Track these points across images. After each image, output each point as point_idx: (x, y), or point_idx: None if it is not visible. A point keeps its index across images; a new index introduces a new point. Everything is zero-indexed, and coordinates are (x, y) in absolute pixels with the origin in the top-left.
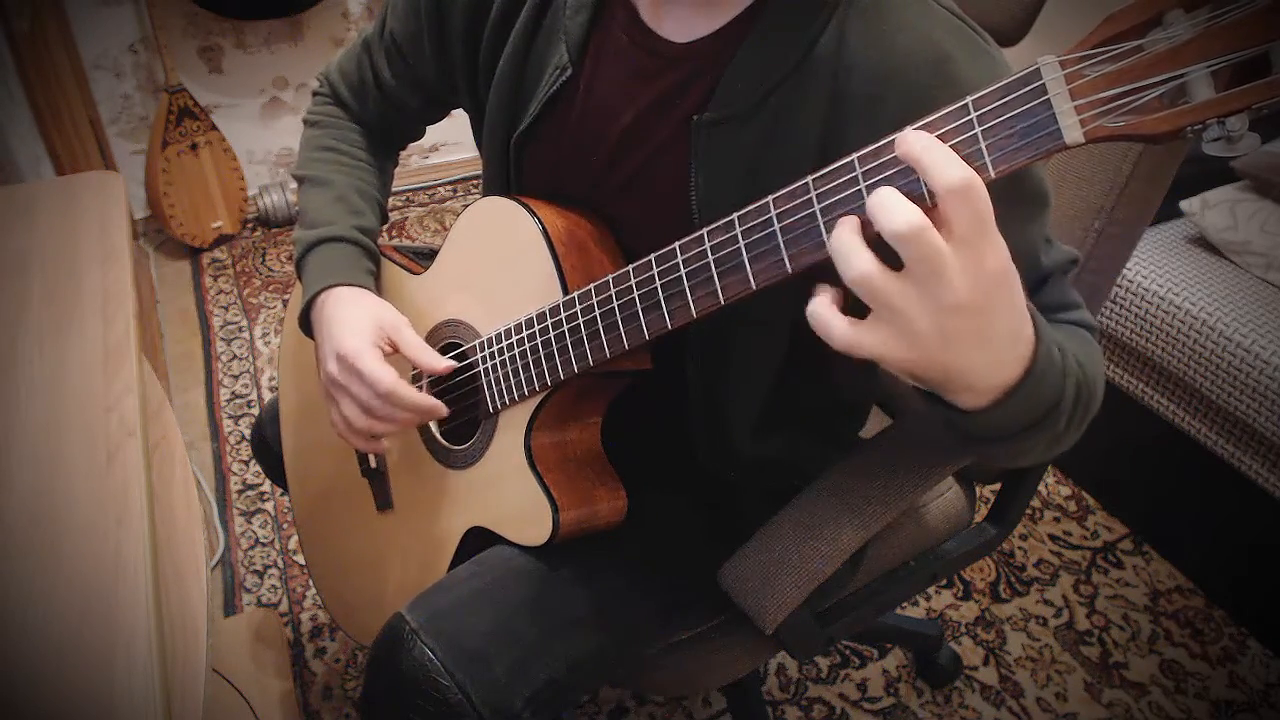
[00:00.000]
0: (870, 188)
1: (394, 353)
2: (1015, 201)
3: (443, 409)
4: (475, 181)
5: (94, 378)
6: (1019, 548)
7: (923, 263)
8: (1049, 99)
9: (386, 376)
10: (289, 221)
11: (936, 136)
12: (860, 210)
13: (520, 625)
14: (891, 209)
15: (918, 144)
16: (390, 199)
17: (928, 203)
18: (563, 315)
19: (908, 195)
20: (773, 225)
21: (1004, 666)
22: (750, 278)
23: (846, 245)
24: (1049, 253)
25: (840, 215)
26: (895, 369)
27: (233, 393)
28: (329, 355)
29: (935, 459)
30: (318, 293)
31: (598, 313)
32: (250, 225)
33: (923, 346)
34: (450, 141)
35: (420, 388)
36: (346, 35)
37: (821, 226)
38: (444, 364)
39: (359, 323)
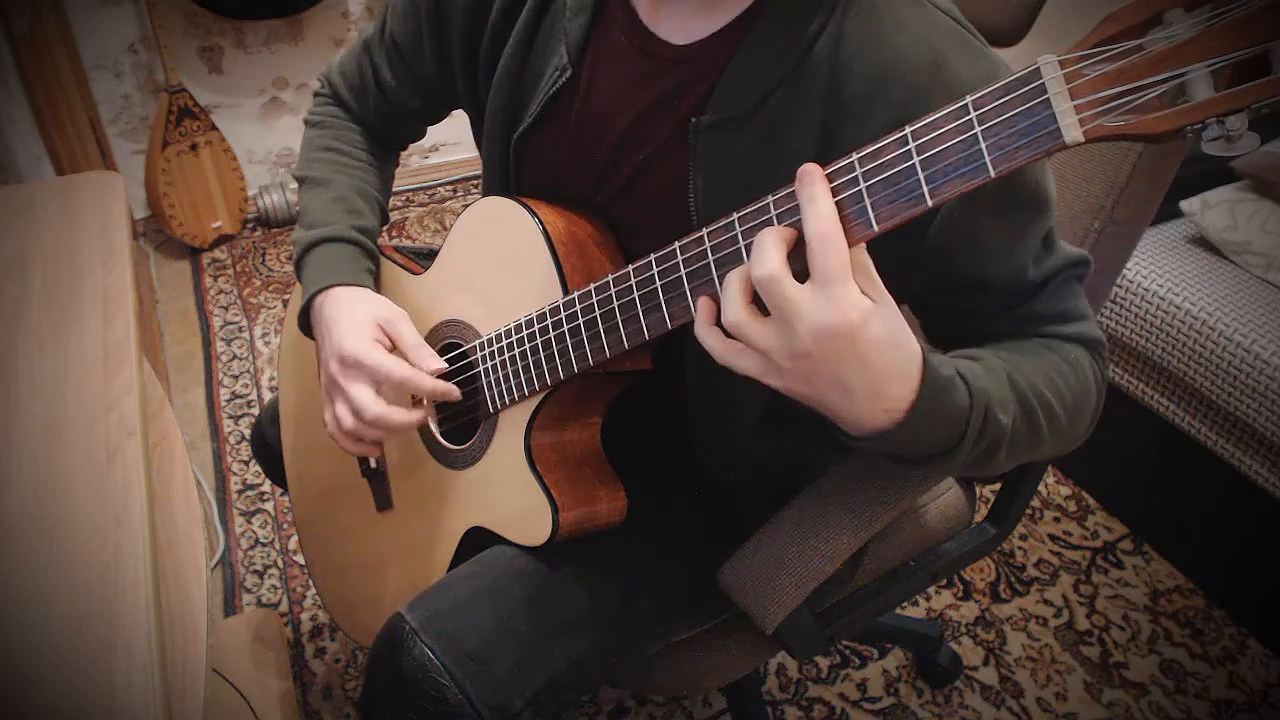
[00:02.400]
0: (870, 188)
1: (392, 349)
2: (1004, 206)
3: (454, 389)
4: (475, 181)
5: (94, 378)
6: (1019, 548)
7: (777, 309)
8: (1048, 98)
9: (398, 367)
10: (289, 221)
11: (937, 134)
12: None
13: (520, 625)
14: (760, 256)
15: (806, 188)
16: (390, 199)
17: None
18: (563, 315)
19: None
20: (774, 225)
21: (1004, 666)
22: None
23: (730, 291)
24: (1045, 260)
25: (843, 215)
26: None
27: (233, 393)
28: (330, 357)
29: None
30: (316, 293)
31: (598, 313)
32: (250, 225)
33: (786, 379)
34: (450, 141)
35: None
36: (346, 35)
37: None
38: (436, 364)
39: (358, 322)
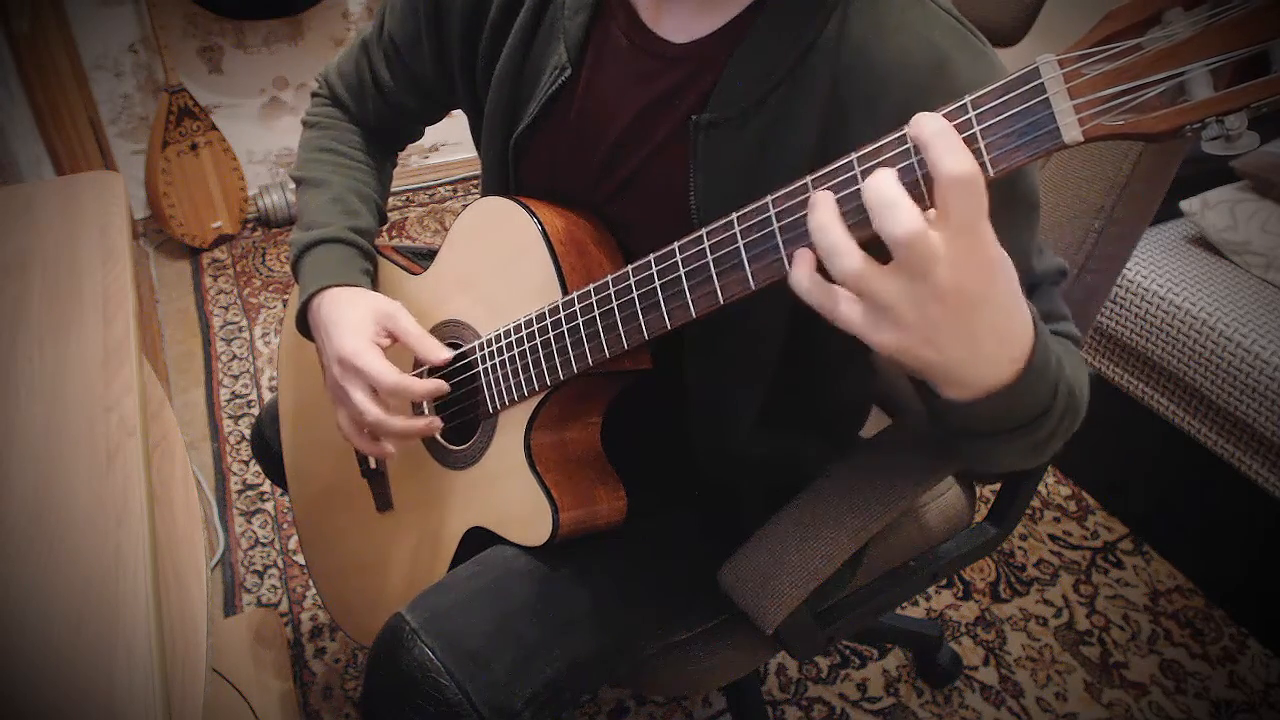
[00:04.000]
0: None
1: (393, 344)
2: (1009, 206)
3: (445, 386)
4: (475, 181)
5: (94, 378)
6: (1019, 548)
7: (915, 264)
8: (1048, 98)
9: (389, 373)
10: (289, 221)
11: None
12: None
13: (520, 625)
14: (894, 212)
15: (930, 127)
16: (390, 199)
17: (920, 190)
18: (562, 315)
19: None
20: (772, 225)
21: (1004, 666)
22: (749, 277)
23: (836, 243)
24: (1040, 260)
25: (844, 212)
26: (877, 350)
27: (233, 393)
28: (331, 360)
29: (935, 459)
30: (313, 294)
31: (597, 313)
32: (250, 225)
33: (906, 337)
34: (450, 141)
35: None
36: (346, 35)
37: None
38: (442, 354)
39: (357, 322)
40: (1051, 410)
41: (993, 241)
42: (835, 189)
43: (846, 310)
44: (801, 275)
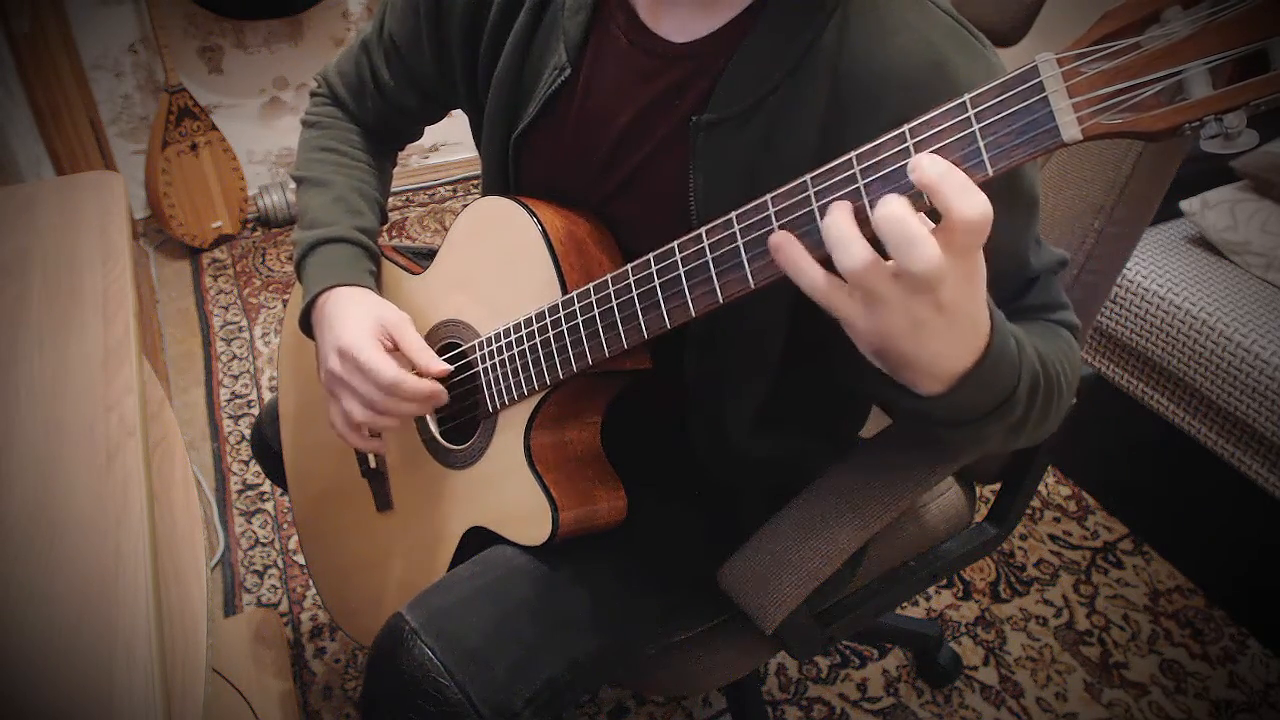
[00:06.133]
0: (869, 187)
1: (394, 350)
2: (1009, 204)
3: (443, 393)
4: (475, 181)
5: (94, 378)
6: (1019, 548)
7: (924, 275)
8: (1046, 96)
9: (389, 368)
10: (289, 221)
11: (935, 133)
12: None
13: (520, 625)
14: (918, 249)
15: (933, 170)
16: (390, 199)
17: (924, 202)
18: (562, 315)
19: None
20: (771, 224)
21: (1004, 666)
22: (749, 276)
23: (845, 235)
24: (1038, 254)
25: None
26: (856, 340)
27: (233, 393)
28: (330, 351)
29: (935, 459)
30: (319, 294)
31: (597, 312)
32: (250, 225)
33: (891, 333)
34: (450, 141)
35: None
36: (346, 35)
37: (820, 225)
38: (440, 367)
39: (360, 319)
40: (1018, 390)
41: (981, 258)
42: (834, 189)
43: (843, 302)
44: (810, 269)
